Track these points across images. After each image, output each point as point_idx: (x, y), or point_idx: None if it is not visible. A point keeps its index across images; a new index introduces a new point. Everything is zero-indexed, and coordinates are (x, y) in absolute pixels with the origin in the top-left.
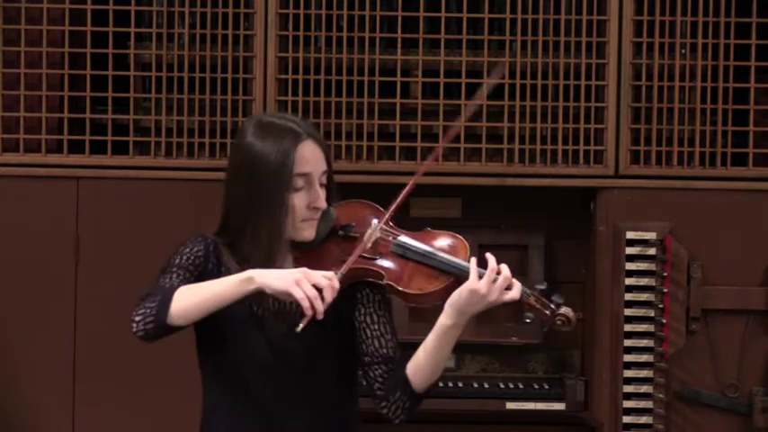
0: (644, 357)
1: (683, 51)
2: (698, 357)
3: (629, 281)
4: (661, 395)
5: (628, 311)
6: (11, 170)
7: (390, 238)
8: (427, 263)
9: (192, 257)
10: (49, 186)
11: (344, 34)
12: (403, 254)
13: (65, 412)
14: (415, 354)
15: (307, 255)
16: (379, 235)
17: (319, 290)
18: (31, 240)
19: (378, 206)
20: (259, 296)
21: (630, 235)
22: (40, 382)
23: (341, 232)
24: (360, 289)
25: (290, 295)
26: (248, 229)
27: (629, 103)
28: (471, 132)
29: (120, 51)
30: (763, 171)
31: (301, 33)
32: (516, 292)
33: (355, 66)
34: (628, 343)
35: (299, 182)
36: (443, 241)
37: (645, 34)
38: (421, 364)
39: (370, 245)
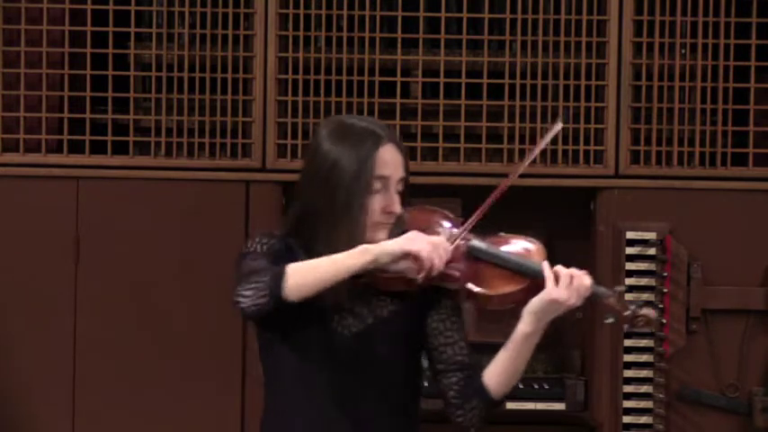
0: (644, 357)
1: (683, 51)
2: (698, 357)
3: (629, 281)
4: (661, 395)
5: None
6: (11, 170)
7: (464, 241)
8: (503, 265)
9: (270, 248)
10: (49, 186)
11: (344, 34)
12: (478, 257)
13: (65, 411)
14: (492, 360)
15: None
16: (451, 236)
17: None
18: (31, 240)
19: (447, 212)
20: (340, 291)
21: (630, 235)
22: (39, 382)
23: None
24: (431, 295)
25: (408, 253)
26: (324, 232)
27: (629, 103)
28: (471, 132)
29: (120, 51)
30: (763, 171)
31: (301, 33)
32: (594, 293)
33: (355, 66)
34: (628, 343)
35: (377, 184)
36: (518, 245)
37: (645, 34)
38: (499, 372)
39: (467, 233)
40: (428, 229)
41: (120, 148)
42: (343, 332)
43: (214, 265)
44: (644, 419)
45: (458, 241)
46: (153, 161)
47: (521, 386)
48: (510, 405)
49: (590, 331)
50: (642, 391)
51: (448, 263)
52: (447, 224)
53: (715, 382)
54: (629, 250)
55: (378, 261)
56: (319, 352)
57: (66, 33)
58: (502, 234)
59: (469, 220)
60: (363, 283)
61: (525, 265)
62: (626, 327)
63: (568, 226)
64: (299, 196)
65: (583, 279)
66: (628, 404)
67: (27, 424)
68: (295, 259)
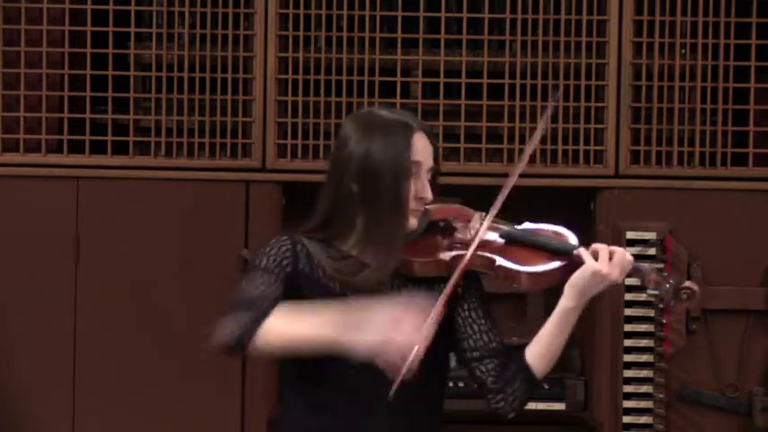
0: (644, 357)
1: (683, 51)
2: (698, 357)
3: (629, 281)
4: (661, 395)
5: (628, 311)
6: (11, 170)
7: (495, 229)
8: (541, 246)
9: (280, 259)
10: (49, 186)
11: (344, 34)
12: (512, 239)
13: (65, 411)
14: (532, 341)
15: (407, 247)
16: (483, 227)
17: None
18: (31, 240)
19: (470, 209)
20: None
21: (630, 235)
22: (39, 382)
23: (441, 224)
24: (460, 284)
25: (376, 355)
26: (362, 221)
27: (629, 103)
28: (471, 132)
29: (120, 51)
30: (763, 171)
31: (301, 33)
32: (636, 267)
33: (355, 66)
34: (628, 343)
35: (412, 169)
36: (549, 229)
37: (645, 34)
38: (542, 350)
39: (483, 232)
40: (458, 218)
41: (120, 148)
42: None
43: (214, 265)
44: (644, 419)
45: (490, 228)
46: (153, 161)
47: None
48: None
49: (590, 331)
50: (642, 391)
51: (482, 247)
52: (475, 215)
53: (715, 382)
54: (630, 250)
55: (347, 354)
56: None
57: (66, 33)
58: (528, 222)
59: (496, 204)
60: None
61: (562, 244)
62: (671, 303)
63: (568, 226)
64: (328, 187)
65: (623, 254)
66: (628, 404)
67: (27, 424)
68: (312, 261)
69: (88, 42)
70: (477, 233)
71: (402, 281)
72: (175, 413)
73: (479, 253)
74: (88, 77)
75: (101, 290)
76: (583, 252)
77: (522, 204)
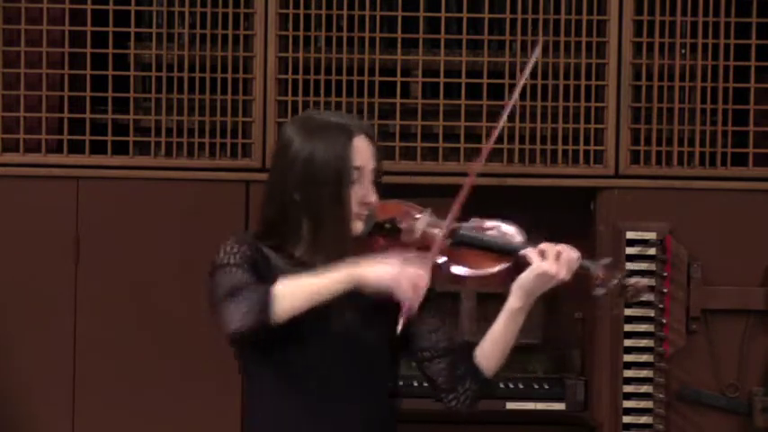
0: (644, 357)
1: (683, 51)
2: (698, 357)
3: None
4: (661, 395)
5: (628, 311)
6: (11, 170)
7: (442, 229)
8: (487, 247)
9: (243, 257)
10: (49, 186)
11: (344, 34)
12: (459, 241)
13: (65, 411)
14: (481, 341)
15: (356, 251)
16: (429, 224)
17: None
18: (31, 240)
19: (415, 205)
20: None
21: (630, 235)
22: (39, 382)
23: (387, 225)
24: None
25: (391, 287)
26: (308, 228)
27: (629, 103)
28: (471, 132)
29: (120, 51)
30: (763, 171)
31: (301, 33)
32: (583, 265)
33: (355, 66)
34: (628, 343)
35: (354, 174)
36: (496, 228)
37: (645, 34)
38: (490, 350)
39: (447, 231)
40: (405, 216)
41: (120, 148)
42: (330, 323)
43: None
44: (644, 419)
45: (437, 227)
46: (153, 161)
47: (521, 386)
48: (510, 405)
49: (590, 331)
50: (642, 391)
51: (428, 249)
52: (417, 214)
53: (715, 382)
54: (629, 250)
55: (361, 287)
56: (309, 345)
57: (66, 33)
58: (476, 219)
59: (452, 209)
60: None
61: (509, 245)
62: (619, 300)
63: (568, 226)
64: (272, 195)
65: (570, 252)
66: (628, 404)
67: (27, 424)
68: (270, 266)
69: (88, 42)
70: (423, 233)
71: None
72: (175, 413)
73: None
74: (88, 77)
75: (101, 290)
76: (530, 252)
77: (523, 204)
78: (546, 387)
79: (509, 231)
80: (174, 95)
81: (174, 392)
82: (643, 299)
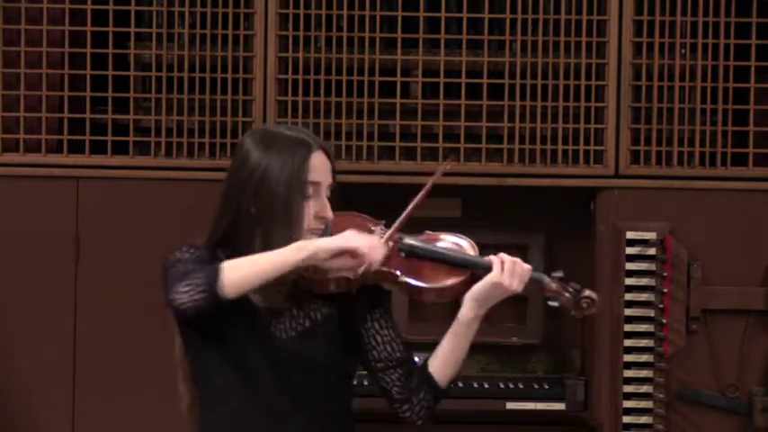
0: (644, 357)
1: (683, 51)
2: (698, 357)
3: (629, 281)
4: (661, 395)
5: (628, 311)
6: (11, 170)
7: (398, 240)
8: (441, 259)
9: (197, 257)
10: (49, 186)
11: (344, 34)
12: (414, 253)
13: (65, 411)
14: (434, 352)
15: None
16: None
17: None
18: (31, 240)
19: (370, 217)
20: (276, 294)
21: (630, 235)
22: (39, 382)
23: None
24: (364, 296)
25: (346, 250)
26: (260, 241)
27: (629, 103)
28: (471, 132)
29: (120, 51)
30: (763, 171)
31: (301, 33)
32: (534, 278)
33: (355, 66)
34: (628, 343)
35: (310, 190)
36: (449, 240)
37: (645, 34)
38: (444, 360)
39: (392, 233)
40: (360, 229)
41: (120, 148)
42: (280, 336)
43: None
44: (644, 419)
45: (391, 240)
46: (153, 161)
47: (521, 386)
48: (510, 405)
49: (590, 331)
50: (642, 391)
51: (384, 261)
52: (375, 227)
53: (715, 382)
54: (629, 250)
55: (316, 257)
56: (257, 356)
57: (66, 33)
58: (429, 232)
59: (399, 219)
60: (299, 286)
61: (462, 258)
62: (573, 312)
63: (568, 226)
64: (227, 206)
65: (522, 265)
66: (628, 404)
67: (27, 424)
68: None
69: (88, 42)
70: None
71: (311, 297)
72: (175, 413)
73: (382, 268)
74: (88, 77)
75: (101, 290)
76: (486, 263)
77: (523, 204)
78: (546, 387)
79: (462, 244)
80: (174, 95)
81: (174, 392)
82: (643, 299)
